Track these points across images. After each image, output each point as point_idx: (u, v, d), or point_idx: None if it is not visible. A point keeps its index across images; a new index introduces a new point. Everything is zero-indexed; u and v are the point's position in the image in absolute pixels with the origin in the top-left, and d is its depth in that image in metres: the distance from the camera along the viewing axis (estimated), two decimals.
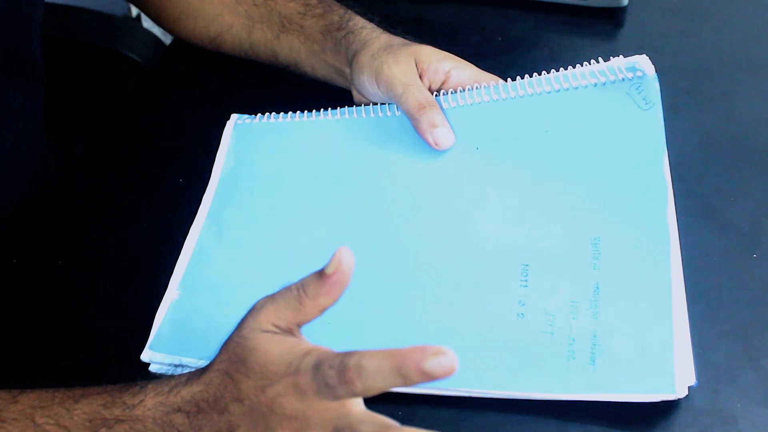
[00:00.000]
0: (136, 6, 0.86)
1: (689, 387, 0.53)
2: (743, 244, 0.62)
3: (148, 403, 0.48)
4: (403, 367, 0.42)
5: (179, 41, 0.86)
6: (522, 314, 0.57)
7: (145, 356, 0.59)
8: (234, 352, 0.47)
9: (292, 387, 0.44)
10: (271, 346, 0.46)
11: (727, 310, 0.59)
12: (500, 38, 0.83)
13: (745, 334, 0.57)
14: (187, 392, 0.48)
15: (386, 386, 0.43)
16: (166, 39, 0.94)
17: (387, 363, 0.42)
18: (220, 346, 0.48)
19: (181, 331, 0.60)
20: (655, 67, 0.67)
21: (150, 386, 0.49)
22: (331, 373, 0.43)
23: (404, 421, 0.55)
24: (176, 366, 0.57)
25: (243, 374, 0.46)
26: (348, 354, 0.43)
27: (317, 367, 0.44)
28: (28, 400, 0.50)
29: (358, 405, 0.45)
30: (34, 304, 0.65)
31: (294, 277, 0.61)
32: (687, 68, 0.77)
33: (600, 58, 0.68)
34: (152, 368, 0.58)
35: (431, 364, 0.41)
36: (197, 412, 0.47)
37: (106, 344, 0.61)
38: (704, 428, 0.53)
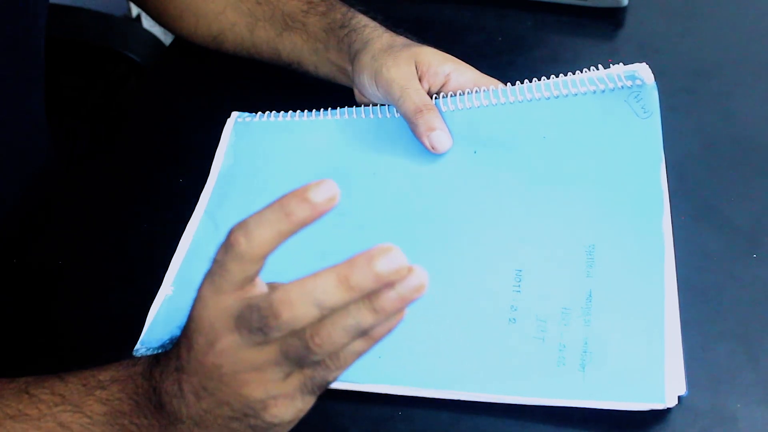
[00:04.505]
0: (137, 5, 0.86)
1: (686, 390, 0.53)
2: (743, 244, 0.62)
3: (143, 362, 0.48)
4: (352, 275, 0.40)
5: (179, 41, 0.86)
6: (514, 319, 0.57)
7: (137, 351, 0.59)
8: None
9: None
10: None
11: (727, 310, 0.59)
12: (500, 38, 0.83)
13: (745, 334, 0.57)
14: (169, 343, 0.48)
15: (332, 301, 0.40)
16: (166, 39, 0.94)
17: (332, 277, 0.40)
18: None
19: (173, 326, 0.60)
20: (654, 67, 0.67)
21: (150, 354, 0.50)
22: (254, 316, 0.42)
23: (405, 421, 0.55)
24: None
25: None
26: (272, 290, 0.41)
27: (239, 317, 0.42)
28: (23, 379, 0.51)
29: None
30: (33, 303, 0.65)
31: (287, 277, 0.61)
32: (687, 68, 0.77)
33: (600, 65, 0.68)
34: None
35: (382, 263, 0.39)
36: (166, 358, 0.47)
37: (106, 344, 0.61)
38: (704, 428, 0.53)
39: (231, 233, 0.42)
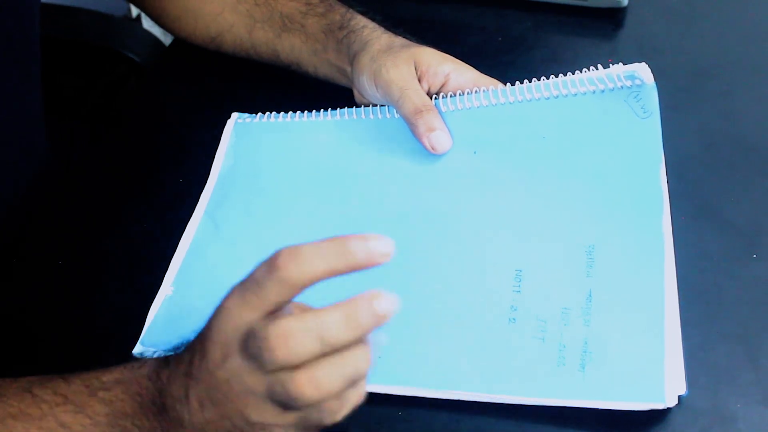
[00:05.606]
0: (137, 6, 0.86)
1: (686, 390, 0.53)
2: (743, 244, 0.62)
3: (150, 363, 0.48)
4: (358, 313, 0.41)
5: (179, 41, 0.86)
6: (514, 319, 0.57)
7: (136, 350, 0.59)
8: None
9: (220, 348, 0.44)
10: None
11: (727, 310, 0.59)
12: (500, 38, 0.83)
13: (745, 334, 0.57)
14: (181, 346, 0.48)
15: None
16: (166, 39, 0.94)
17: (337, 313, 0.41)
18: None
19: (173, 327, 0.60)
20: (654, 67, 0.67)
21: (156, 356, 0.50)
22: (251, 343, 0.42)
23: (405, 421, 0.55)
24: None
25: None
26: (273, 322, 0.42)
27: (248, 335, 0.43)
28: (27, 379, 0.51)
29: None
30: (33, 304, 0.65)
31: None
32: (687, 68, 0.77)
33: (600, 65, 0.68)
34: None
35: (383, 304, 0.42)
36: (176, 361, 0.47)
37: (105, 344, 0.61)
38: (704, 428, 0.53)
39: (279, 256, 0.41)
